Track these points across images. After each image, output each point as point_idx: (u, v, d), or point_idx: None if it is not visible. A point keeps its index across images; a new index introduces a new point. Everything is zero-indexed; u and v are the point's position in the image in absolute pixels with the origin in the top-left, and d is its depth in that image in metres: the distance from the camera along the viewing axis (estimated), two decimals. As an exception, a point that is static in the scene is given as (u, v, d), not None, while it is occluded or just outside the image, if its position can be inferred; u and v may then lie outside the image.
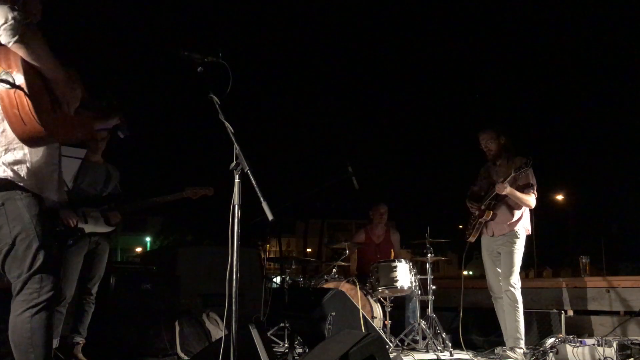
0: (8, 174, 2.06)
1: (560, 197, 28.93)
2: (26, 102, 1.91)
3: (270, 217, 2.04)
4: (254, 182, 2.09)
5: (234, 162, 2.20)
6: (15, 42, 1.89)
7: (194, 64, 2.44)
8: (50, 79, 2.05)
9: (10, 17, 1.86)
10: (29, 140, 1.99)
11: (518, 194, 4.25)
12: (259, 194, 2.06)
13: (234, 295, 2.15)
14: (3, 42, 1.91)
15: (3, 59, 1.95)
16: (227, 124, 2.33)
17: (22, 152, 2.08)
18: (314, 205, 28.07)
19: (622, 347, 3.79)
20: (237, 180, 2.19)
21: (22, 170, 2.08)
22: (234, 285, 2.15)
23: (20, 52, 1.93)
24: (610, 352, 3.76)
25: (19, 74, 1.92)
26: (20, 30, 1.88)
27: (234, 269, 2.15)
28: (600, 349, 3.81)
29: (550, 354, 4.01)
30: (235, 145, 2.22)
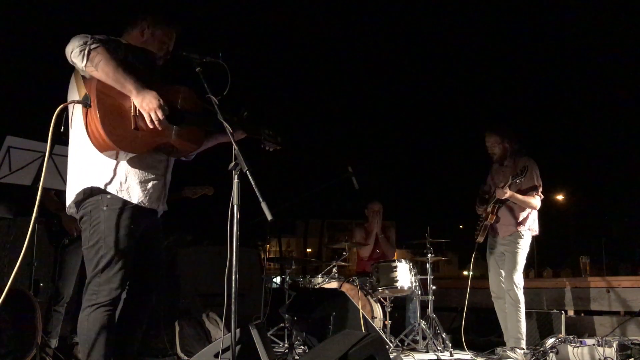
0: (99, 183, 2.26)
1: (560, 197, 28.90)
2: (97, 118, 2.13)
3: (269, 217, 2.04)
4: (253, 183, 2.09)
5: (233, 163, 2.20)
6: (85, 66, 2.16)
7: (193, 64, 2.44)
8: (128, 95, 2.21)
9: (76, 45, 2.15)
10: (103, 152, 2.21)
11: (520, 197, 4.26)
12: (258, 194, 2.05)
13: (233, 296, 2.14)
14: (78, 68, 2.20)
15: (88, 83, 2.21)
16: (225, 124, 2.33)
17: (112, 163, 2.27)
18: (314, 205, 28.09)
19: (622, 347, 3.79)
20: (235, 181, 2.19)
21: (111, 181, 2.27)
22: (233, 285, 2.15)
23: (93, 74, 2.17)
24: (611, 352, 3.76)
25: (93, 94, 2.16)
26: (86, 56, 2.14)
27: (234, 269, 2.14)
28: (600, 349, 3.81)
29: (551, 354, 4.01)
30: (234, 146, 2.21)
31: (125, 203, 2.27)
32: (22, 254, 2.13)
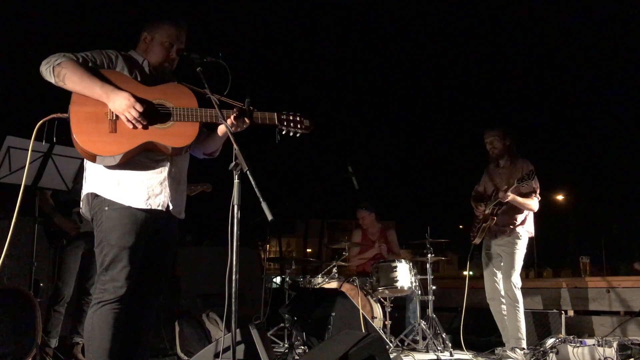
0: (95, 189, 2.33)
1: (560, 197, 28.90)
2: (72, 128, 2.22)
3: (269, 217, 2.03)
4: (253, 183, 2.08)
5: (233, 162, 2.20)
6: (55, 82, 2.23)
7: (193, 64, 2.43)
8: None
9: (43, 65, 2.23)
10: (88, 158, 2.30)
11: (520, 200, 4.27)
12: (259, 194, 2.05)
13: (233, 296, 2.14)
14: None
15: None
16: (225, 123, 2.32)
17: (103, 169, 2.32)
18: (314, 205, 28.08)
19: (622, 347, 3.79)
20: (236, 181, 2.19)
21: (105, 186, 2.32)
22: (233, 285, 2.15)
23: (64, 88, 2.24)
24: (611, 352, 3.76)
25: (69, 106, 2.25)
26: (52, 73, 2.22)
27: (234, 269, 2.14)
28: (600, 349, 3.81)
29: (551, 354, 4.01)
30: (235, 146, 2.21)
31: (121, 205, 2.30)
32: (5, 248, 2.20)
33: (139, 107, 2.22)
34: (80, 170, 3.56)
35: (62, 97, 2.35)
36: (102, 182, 2.32)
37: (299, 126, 2.56)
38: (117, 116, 2.25)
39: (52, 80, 2.23)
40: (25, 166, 3.51)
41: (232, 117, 2.40)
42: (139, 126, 2.25)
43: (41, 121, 2.29)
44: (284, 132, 2.54)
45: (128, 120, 2.23)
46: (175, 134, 2.33)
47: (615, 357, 3.73)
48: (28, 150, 3.48)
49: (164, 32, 2.48)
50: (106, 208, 2.29)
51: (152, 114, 2.29)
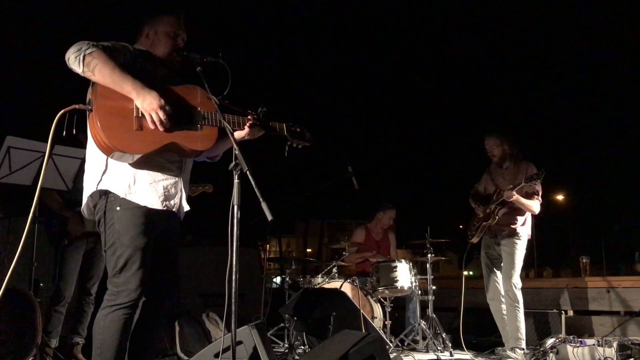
0: (108, 186, 2.26)
1: (560, 197, 28.87)
2: (97, 121, 2.16)
3: (269, 217, 2.03)
4: (253, 183, 2.08)
5: (233, 162, 2.20)
6: (83, 72, 2.17)
7: (193, 63, 2.44)
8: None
9: (72, 52, 2.16)
10: (109, 154, 2.22)
11: (523, 200, 4.29)
12: (259, 195, 2.05)
13: (233, 296, 2.14)
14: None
15: (93, 88, 2.23)
16: (225, 124, 2.32)
17: (119, 166, 2.27)
18: (314, 205, 28.09)
19: (622, 347, 3.79)
20: (236, 181, 2.19)
21: (119, 183, 2.26)
22: (233, 285, 2.15)
23: (92, 79, 2.20)
24: (611, 352, 3.76)
25: (95, 97, 2.19)
26: (82, 62, 2.15)
27: (234, 269, 2.14)
28: (600, 349, 3.81)
29: (551, 354, 4.01)
30: (235, 146, 2.21)
31: (136, 205, 2.26)
32: (17, 253, 2.14)
33: (168, 110, 2.20)
34: (81, 170, 3.57)
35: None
36: (117, 179, 2.27)
37: (301, 138, 2.68)
38: (142, 113, 2.21)
39: (79, 69, 2.16)
40: (26, 165, 3.53)
41: (248, 125, 2.46)
42: (161, 128, 2.21)
43: (62, 111, 2.18)
44: (288, 143, 2.65)
45: (152, 121, 2.19)
46: (197, 137, 2.33)
47: (615, 357, 3.73)
48: (28, 150, 3.50)
49: (167, 23, 2.48)
50: (117, 208, 2.24)
51: (182, 116, 2.27)
